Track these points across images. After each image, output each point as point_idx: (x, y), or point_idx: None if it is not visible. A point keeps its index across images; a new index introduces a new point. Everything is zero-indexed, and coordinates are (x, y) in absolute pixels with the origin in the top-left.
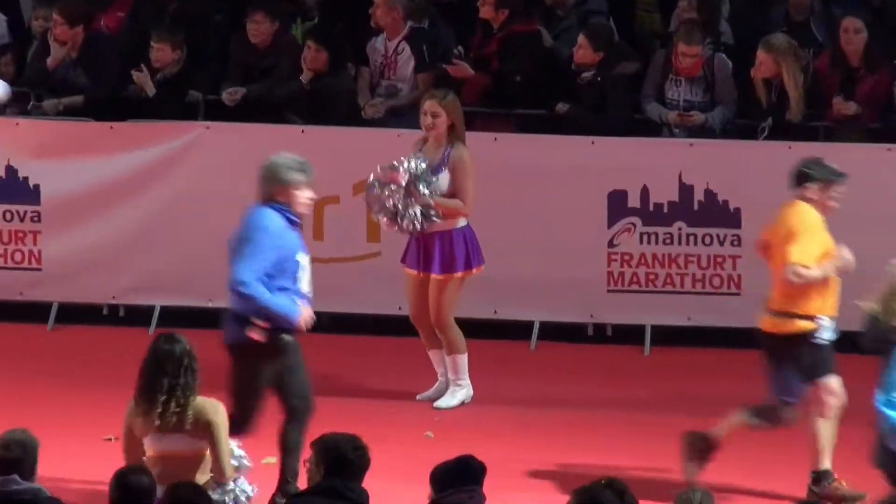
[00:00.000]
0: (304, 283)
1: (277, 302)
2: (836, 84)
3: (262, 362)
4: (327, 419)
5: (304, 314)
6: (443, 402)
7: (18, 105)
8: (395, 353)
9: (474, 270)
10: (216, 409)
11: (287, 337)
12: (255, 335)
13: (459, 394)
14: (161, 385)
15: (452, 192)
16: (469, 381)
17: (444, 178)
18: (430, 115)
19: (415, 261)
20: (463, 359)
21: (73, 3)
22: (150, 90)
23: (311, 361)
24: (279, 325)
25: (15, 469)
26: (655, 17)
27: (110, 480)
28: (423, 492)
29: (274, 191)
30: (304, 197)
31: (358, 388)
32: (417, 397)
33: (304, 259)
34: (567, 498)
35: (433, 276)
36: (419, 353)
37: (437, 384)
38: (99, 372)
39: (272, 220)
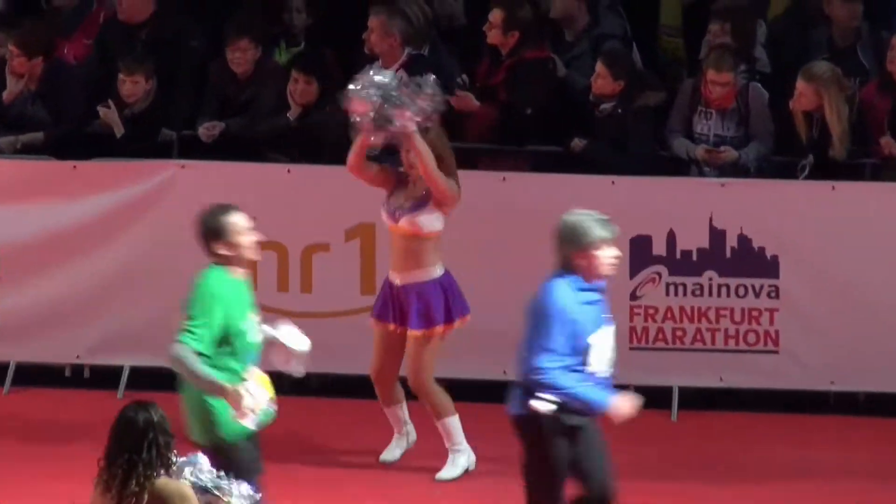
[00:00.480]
0: (603, 361)
1: (583, 391)
2: (884, 114)
3: (553, 441)
4: (318, 493)
5: (618, 403)
6: (444, 474)
7: None
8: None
9: (456, 322)
10: (182, 496)
11: (579, 418)
12: (540, 407)
13: (460, 460)
14: (121, 460)
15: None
16: (467, 445)
17: (430, 216)
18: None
19: (388, 313)
20: (454, 421)
21: (32, 31)
22: (119, 129)
23: (299, 427)
24: (585, 412)
25: None
26: (679, 42)
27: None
28: None
29: (572, 254)
30: (608, 258)
31: (353, 456)
32: (380, 458)
33: (604, 335)
34: None
35: (411, 332)
36: (420, 417)
37: (395, 439)
38: (61, 440)
39: (564, 294)
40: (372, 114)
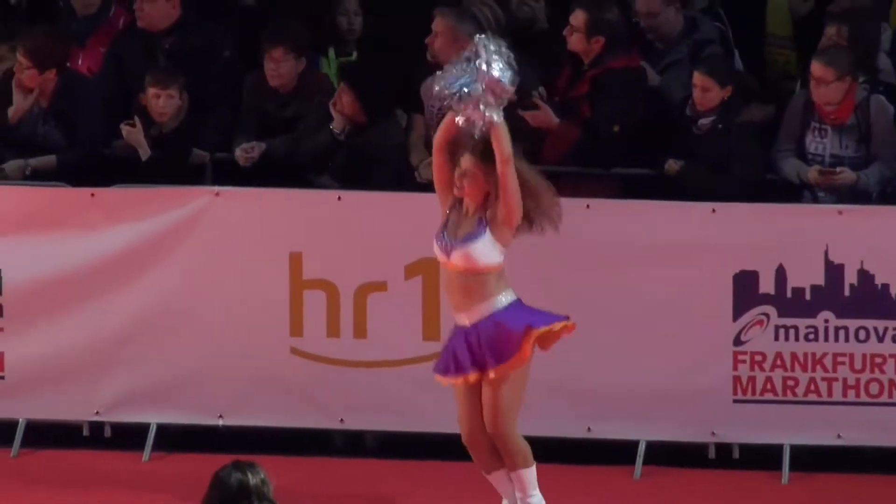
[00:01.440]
0: None
1: None
2: None
3: None
4: None
5: None
6: None
7: None
8: (458, 481)
9: (537, 331)
10: None
11: None
12: None
13: None
14: None
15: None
16: (541, 495)
17: (483, 242)
18: (465, 175)
19: (458, 364)
20: (531, 472)
21: (43, 40)
22: (144, 151)
23: (353, 491)
24: None
25: None
26: (791, 55)
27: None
28: None
29: None
30: None
31: None
32: None
33: None
34: None
35: (490, 372)
36: (486, 482)
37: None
38: None
39: None
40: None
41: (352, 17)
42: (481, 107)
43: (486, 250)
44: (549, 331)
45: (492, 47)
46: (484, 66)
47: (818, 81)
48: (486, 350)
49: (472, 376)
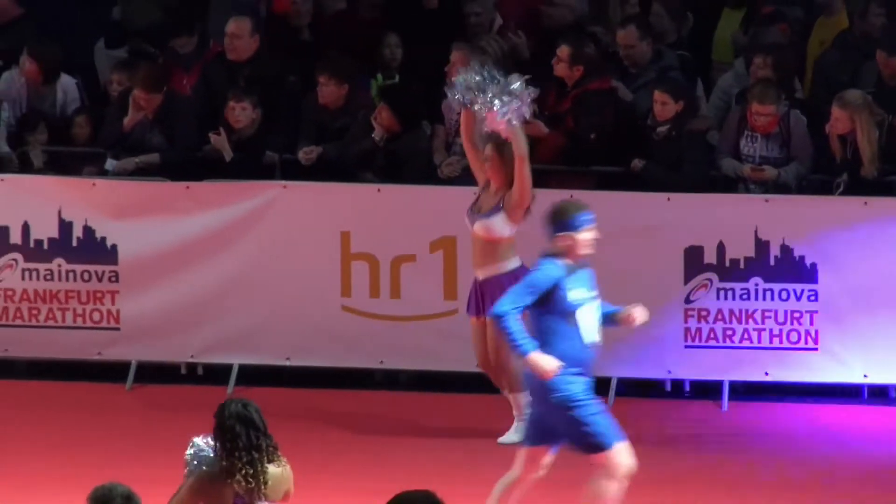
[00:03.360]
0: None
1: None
2: None
3: None
4: (405, 476)
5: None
6: (506, 439)
7: (95, 165)
8: (472, 409)
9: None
10: (290, 478)
11: None
12: None
13: (522, 430)
14: (244, 449)
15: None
16: None
17: (498, 219)
18: (487, 160)
19: (473, 307)
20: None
21: (153, 71)
22: (228, 154)
23: (390, 418)
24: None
25: None
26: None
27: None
28: None
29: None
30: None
31: (436, 443)
32: (499, 441)
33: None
34: None
35: (487, 318)
36: (496, 410)
37: (514, 424)
38: (179, 431)
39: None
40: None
41: (393, 50)
42: (502, 113)
43: (499, 225)
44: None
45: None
46: (500, 89)
47: (756, 114)
48: (486, 302)
49: (480, 319)
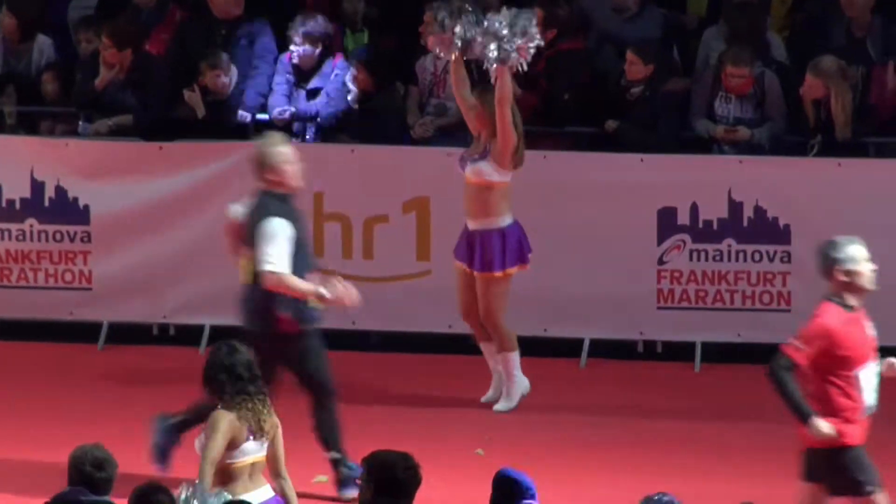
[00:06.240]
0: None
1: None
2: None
3: None
4: (378, 436)
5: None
6: (502, 406)
7: (67, 125)
8: (444, 371)
9: (510, 269)
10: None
11: None
12: None
13: (515, 392)
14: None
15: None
16: (522, 376)
17: (486, 163)
18: (473, 108)
19: (463, 253)
20: (515, 356)
21: (122, 25)
22: (201, 110)
23: (361, 379)
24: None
25: (95, 486)
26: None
27: (130, 497)
28: None
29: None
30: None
31: (408, 405)
32: (482, 399)
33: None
34: None
35: (475, 273)
36: (468, 371)
37: (493, 380)
38: (151, 391)
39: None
40: (458, 43)
41: (355, 4)
42: (492, 50)
43: (489, 169)
44: (517, 269)
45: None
46: (496, 24)
47: (730, 76)
48: (476, 255)
49: (465, 267)
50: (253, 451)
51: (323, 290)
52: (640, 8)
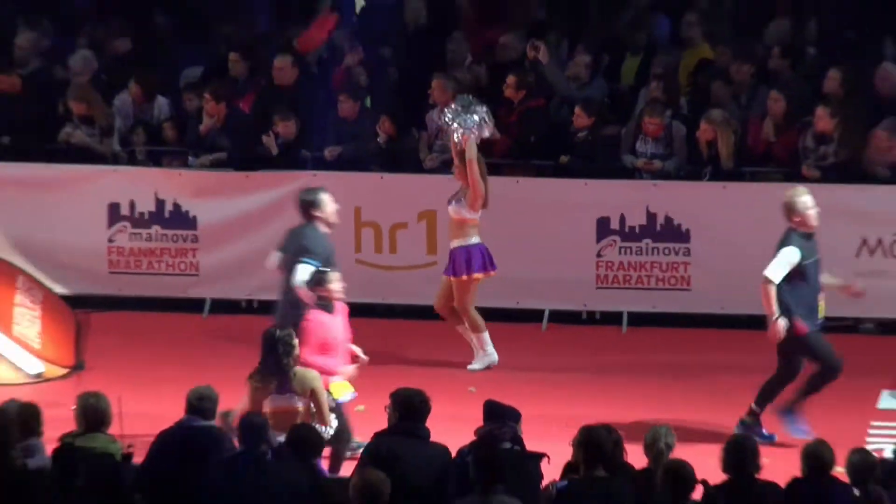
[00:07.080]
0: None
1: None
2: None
3: None
4: (399, 381)
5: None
6: (473, 366)
7: (180, 160)
8: (439, 335)
9: (473, 276)
10: (314, 377)
11: None
12: None
13: (485, 360)
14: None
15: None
16: (493, 350)
17: (461, 205)
18: (455, 167)
19: (448, 268)
20: (484, 335)
21: (219, 86)
22: (274, 150)
23: (384, 342)
24: None
25: (204, 414)
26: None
27: (238, 422)
28: (469, 430)
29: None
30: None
31: (415, 360)
32: (468, 367)
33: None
34: (573, 434)
35: (452, 278)
36: (456, 335)
37: (475, 353)
38: (240, 348)
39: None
40: (454, 129)
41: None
42: (458, 132)
43: (463, 210)
44: (480, 276)
45: (469, 107)
46: (467, 116)
47: (648, 123)
48: (450, 266)
49: (445, 277)
50: (272, 403)
51: None
52: (591, 78)
